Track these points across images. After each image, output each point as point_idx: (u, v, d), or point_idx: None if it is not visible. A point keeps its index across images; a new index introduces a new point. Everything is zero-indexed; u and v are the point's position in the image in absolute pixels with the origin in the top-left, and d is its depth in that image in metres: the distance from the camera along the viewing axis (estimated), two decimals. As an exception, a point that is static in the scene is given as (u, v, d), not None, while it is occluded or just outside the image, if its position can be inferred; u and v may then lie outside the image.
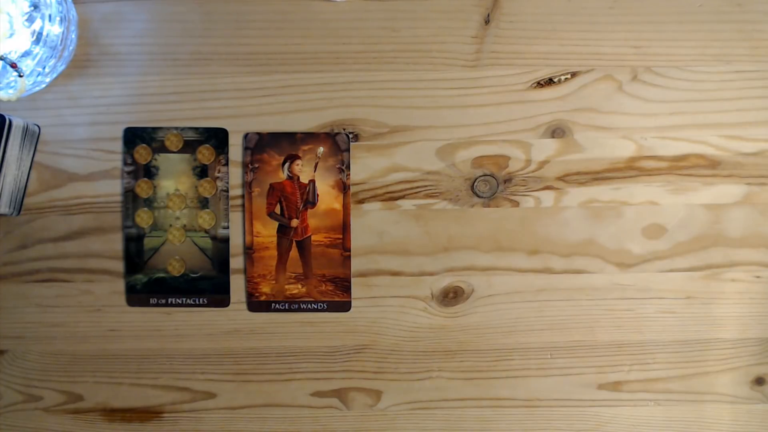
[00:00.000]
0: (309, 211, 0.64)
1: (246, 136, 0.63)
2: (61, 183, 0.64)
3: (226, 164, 0.64)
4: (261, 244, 0.64)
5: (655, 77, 0.63)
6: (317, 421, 0.65)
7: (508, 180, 0.64)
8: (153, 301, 0.64)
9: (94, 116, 0.63)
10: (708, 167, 0.64)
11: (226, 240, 0.64)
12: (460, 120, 0.63)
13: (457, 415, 0.65)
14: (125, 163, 0.63)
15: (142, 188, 0.63)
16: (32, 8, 0.55)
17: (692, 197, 0.64)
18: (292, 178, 0.64)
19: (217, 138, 0.63)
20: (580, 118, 0.63)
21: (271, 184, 0.64)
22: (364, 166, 0.64)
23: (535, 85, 0.63)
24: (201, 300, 0.64)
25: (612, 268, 0.64)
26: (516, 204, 0.64)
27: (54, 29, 0.57)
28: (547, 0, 0.63)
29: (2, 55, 0.54)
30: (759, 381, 0.65)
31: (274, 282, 0.64)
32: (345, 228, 0.64)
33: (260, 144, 0.63)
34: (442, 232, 0.64)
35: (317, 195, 0.64)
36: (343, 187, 0.64)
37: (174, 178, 0.64)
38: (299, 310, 0.64)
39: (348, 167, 0.63)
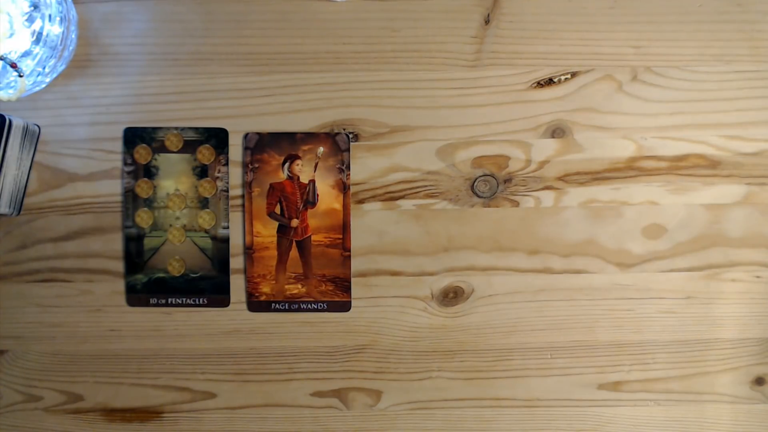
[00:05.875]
0: (309, 211, 0.64)
1: (246, 136, 0.63)
2: (61, 183, 0.64)
3: (226, 164, 0.63)
4: (261, 244, 0.64)
5: (655, 77, 0.63)
6: (317, 421, 0.65)
7: (508, 180, 0.64)
8: (153, 301, 0.64)
9: (94, 116, 0.63)
10: (708, 167, 0.64)
11: (226, 240, 0.64)
12: (460, 120, 0.63)
13: (457, 415, 0.65)
14: (125, 163, 0.63)
15: (142, 188, 0.63)
16: (32, 8, 0.55)
17: (692, 197, 0.64)
18: (292, 178, 0.64)
19: (217, 138, 0.63)
20: (580, 118, 0.63)
21: (271, 184, 0.64)
22: (364, 166, 0.64)
23: (535, 85, 0.63)
24: (201, 300, 0.64)
25: (612, 268, 0.64)
26: (516, 204, 0.64)
27: (54, 29, 0.57)
28: (547, 0, 0.63)
29: (2, 55, 0.54)
30: (759, 381, 0.65)
31: (274, 282, 0.64)
32: (345, 228, 0.64)
33: (260, 144, 0.63)
34: (442, 232, 0.64)
35: (317, 195, 0.64)
36: (343, 187, 0.64)
37: (174, 178, 0.64)
38: (299, 310, 0.64)
39: (348, 167, 0.63)
